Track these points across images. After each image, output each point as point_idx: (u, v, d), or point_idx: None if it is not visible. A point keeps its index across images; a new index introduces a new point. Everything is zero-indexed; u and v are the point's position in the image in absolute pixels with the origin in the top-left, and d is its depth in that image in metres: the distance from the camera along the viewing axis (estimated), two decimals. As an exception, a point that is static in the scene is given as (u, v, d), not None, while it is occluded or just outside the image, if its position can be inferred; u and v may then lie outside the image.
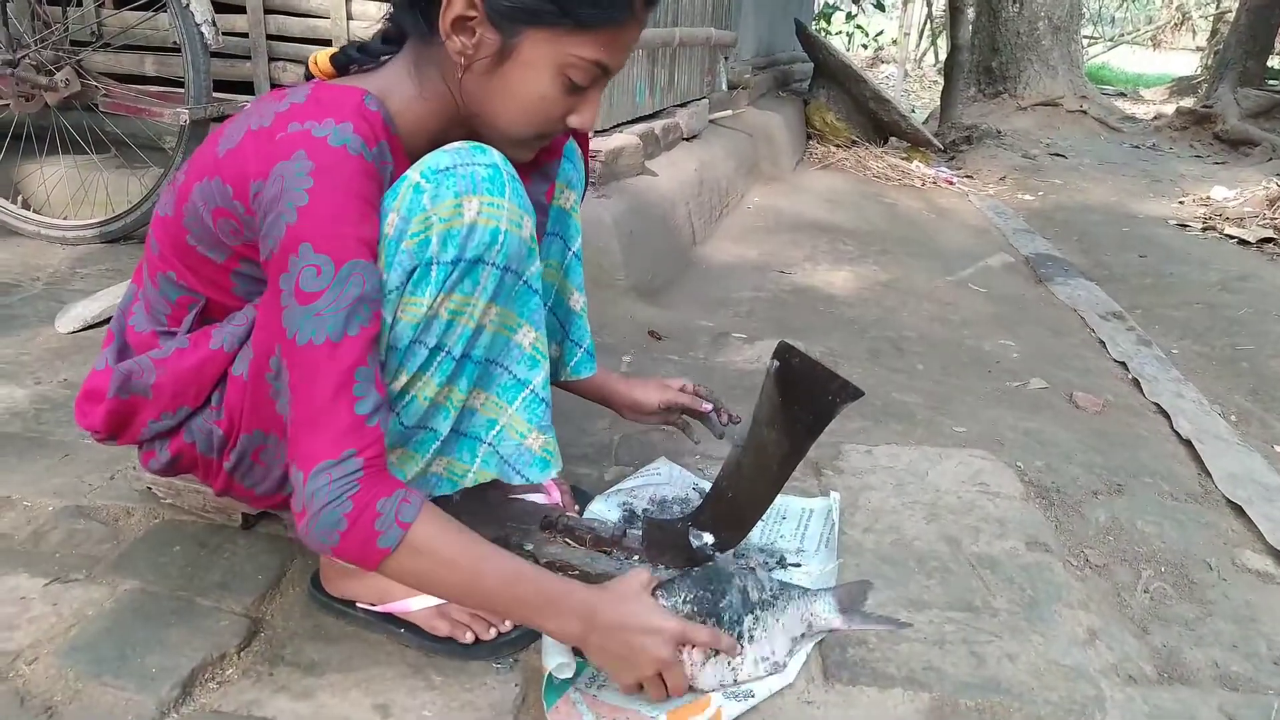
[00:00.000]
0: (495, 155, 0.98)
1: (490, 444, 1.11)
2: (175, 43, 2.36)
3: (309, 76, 1.05)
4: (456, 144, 0.98)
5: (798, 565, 1.31)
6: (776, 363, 1.13)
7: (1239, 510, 1.67)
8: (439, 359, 1.00)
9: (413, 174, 0.95)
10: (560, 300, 1.35)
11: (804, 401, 1.12)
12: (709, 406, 1.43)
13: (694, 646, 1.03)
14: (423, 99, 1.02)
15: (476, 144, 0.99)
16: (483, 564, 0.96)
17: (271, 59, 2.67)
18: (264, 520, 1.32)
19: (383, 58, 1.05)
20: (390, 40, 1.05)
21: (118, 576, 1.18)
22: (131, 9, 2.49)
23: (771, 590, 1.14)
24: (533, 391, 1.09)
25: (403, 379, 1.00)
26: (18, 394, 1.65)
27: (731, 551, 1.24)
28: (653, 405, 1.43)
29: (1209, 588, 1.41)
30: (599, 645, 0.99)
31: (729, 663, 1.06)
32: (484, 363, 1.06)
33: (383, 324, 0.94)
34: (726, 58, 4.71)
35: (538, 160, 1.18)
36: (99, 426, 1.09)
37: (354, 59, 1.05)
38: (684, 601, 1.08)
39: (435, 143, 1.01)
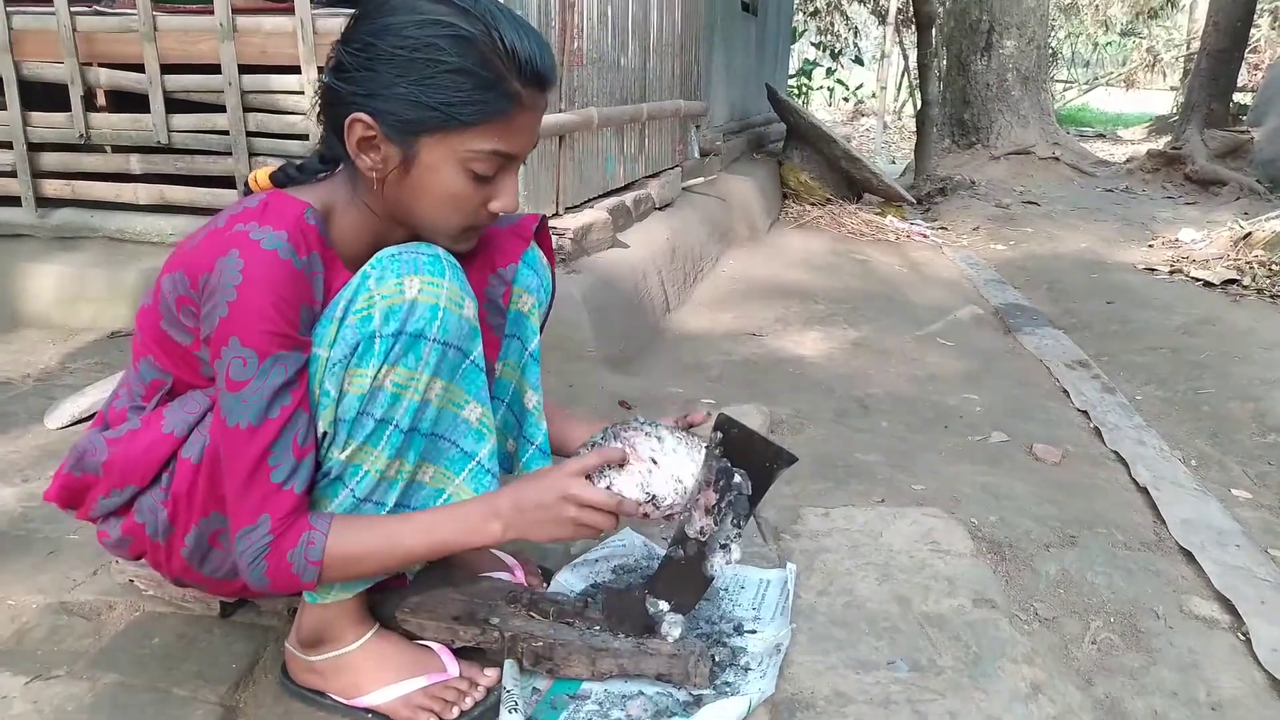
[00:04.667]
0: (437, 248, 1.09)
1: None
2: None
3: (248, 191, 1.14)
4: (403, 244, 1.09)
5: (754, 632, 1.36)
6: (719, 434, 1.23)
7: (1190, 557, 1.72)
8: (387, 432, 1.07)
9: (365, 267, 1.06)
10: (517, 398, 1.39)
11: (744, 470, 1.20)
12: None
13: (607, 468, 1.16)
14: (357, 208, 1.13)
15: (420, 242, 1.10)
16: (398, 540, 1.09)
17: (252, 154, 2.78)
18: (242, 609, 1.37)
19: (320, 175, 1.16)
20: (326, 160, 1.16)
21: (98, 671, 1.23)
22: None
23: (658, 434, 1.25)
24: (479, 463, 1.17)
25: (351, 448, 1.07)
26: (5, 493, 1.72)
27: (690, 617, 1.30)
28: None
29: (1155, 636, 1.46)
30: (520, 531, 1.11)
31: (639, 478, 1.18)
32: (430, 436, 1.13)
33: (321, 395, 1.05)
34: (698, 126, 4.86)
35: (494, 264, 1.27)
36: (54, 498, 1.18)
37: (292, 177, 1.16)
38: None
39: (376, 246, 1.12)
